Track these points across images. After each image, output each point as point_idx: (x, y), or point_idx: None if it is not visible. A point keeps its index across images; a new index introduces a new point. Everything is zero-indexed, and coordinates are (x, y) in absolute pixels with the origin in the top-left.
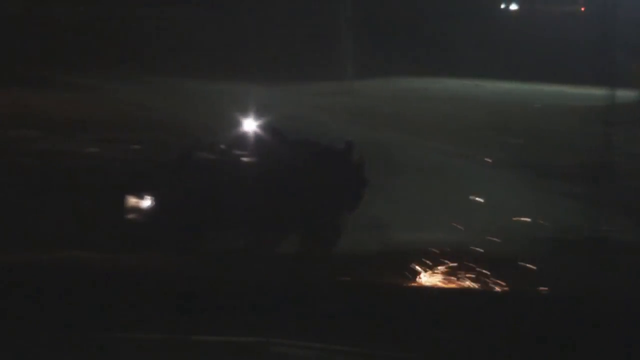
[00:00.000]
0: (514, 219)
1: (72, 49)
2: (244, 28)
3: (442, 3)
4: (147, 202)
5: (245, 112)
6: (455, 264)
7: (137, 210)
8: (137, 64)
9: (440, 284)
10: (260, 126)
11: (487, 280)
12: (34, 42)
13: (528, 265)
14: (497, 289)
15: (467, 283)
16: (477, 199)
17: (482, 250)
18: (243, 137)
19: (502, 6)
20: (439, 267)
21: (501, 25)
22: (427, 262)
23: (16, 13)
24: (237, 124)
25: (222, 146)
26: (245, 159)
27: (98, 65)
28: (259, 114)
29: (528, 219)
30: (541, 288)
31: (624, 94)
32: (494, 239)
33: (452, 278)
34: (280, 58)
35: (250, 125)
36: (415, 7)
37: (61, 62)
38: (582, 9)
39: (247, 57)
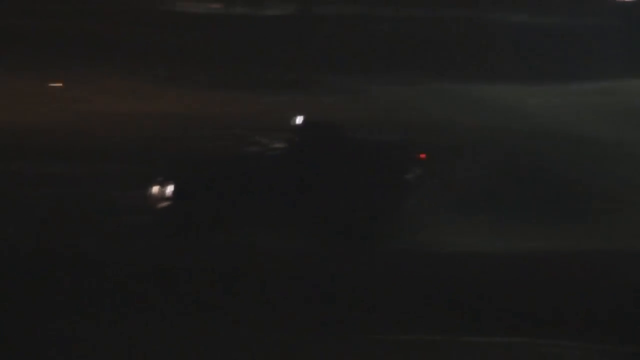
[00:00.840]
0: None
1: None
2: (508, 29)
3: None
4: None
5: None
6: None
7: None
8: (407, 66)
9: None
10: (313, 123)
11: None
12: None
13: None
14: None
15: None
16: None
17: None
18: (297, 132)
19: None
20: None
21: None
22: None
23: (280, 14)
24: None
25: (263, 141)
26: (280, 154)
27: (362, 67)
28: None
29: None
30: None
31: None
32: None
33: None
34: (545, 58)
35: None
36: None
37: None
38: None
39: (512, 58)
